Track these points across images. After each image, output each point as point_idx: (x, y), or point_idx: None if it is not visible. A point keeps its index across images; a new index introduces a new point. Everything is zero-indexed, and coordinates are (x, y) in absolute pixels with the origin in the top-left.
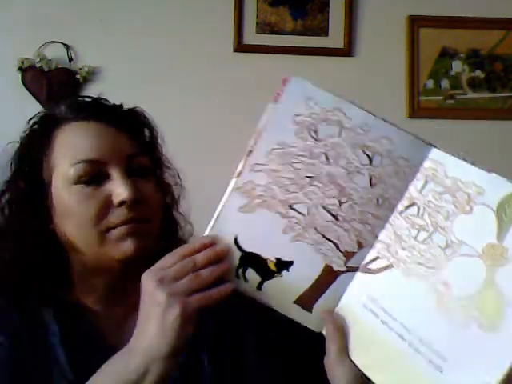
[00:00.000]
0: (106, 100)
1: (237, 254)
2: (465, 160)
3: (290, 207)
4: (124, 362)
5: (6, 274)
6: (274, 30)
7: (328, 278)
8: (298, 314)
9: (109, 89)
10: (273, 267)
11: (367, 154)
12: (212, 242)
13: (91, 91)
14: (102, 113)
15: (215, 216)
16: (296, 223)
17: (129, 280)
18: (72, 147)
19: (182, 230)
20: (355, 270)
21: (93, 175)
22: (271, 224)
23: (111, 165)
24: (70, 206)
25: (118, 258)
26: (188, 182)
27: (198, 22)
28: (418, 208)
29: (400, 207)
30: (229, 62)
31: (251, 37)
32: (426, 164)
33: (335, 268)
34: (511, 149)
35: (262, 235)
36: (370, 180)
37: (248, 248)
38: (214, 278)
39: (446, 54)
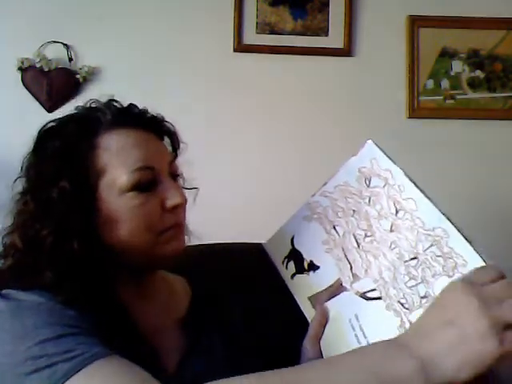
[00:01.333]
0: (136, 106)
1: (288, 248)
2: (467, 239)
3: (333, 227)
4: (388, 356)
5: (57, 276)
6: (273, 30)
7: (337, 289)
8: (306, 307)
9: (109, 89)
10: (306, 266)
11: (396, 207)
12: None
13: (91, 91)
14: (145, 120)
15: (288, 219)
16: (332, 240)
17: (149, 272)
18: (126, 154)
19: None
20: (356, 292)
21: (147, 182)
22: (316, 234)
23: (160, 171)
24: (124, 211)
25: (170, 255)
26: (187, 182)
27: (198, 22)
28: (418, 261)
29: (406, 257)
30: (229, 62)
31: (251, 37)
32: (437, 231)
33: (343, 284)
34: (511, 149)
35: (308, 240)
36: (391, 227)
37: (297, 246)
38: None
39: (446, 54)
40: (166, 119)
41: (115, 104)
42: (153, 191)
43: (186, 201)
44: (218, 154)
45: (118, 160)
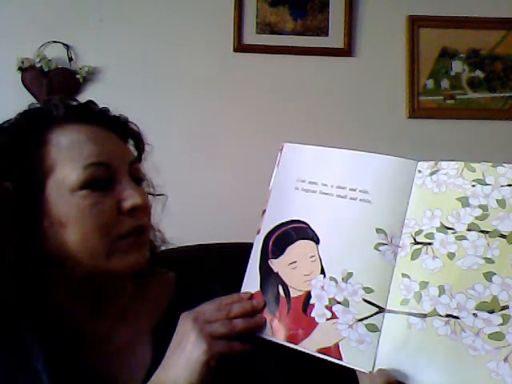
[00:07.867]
0: (95, 104)
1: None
2: None
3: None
4: None
5: None
6: (273, 30)
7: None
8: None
9: (109, 89)
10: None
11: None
12: (250, 297)
13: (91, 91)
14: (103, 118)
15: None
16: None
17: (112, 290)
18: (78, 150)
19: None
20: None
21: (102, 180)
22: None
23: (118, 170)
24: (74, 213)
25: (127, 269)
26: (188, 182)
27: (198, 22)
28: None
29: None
30: (229, 62)
31: (251, 37)
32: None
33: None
34: (511, 149)
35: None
36: None
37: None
38: (245, 328)
39: (446, 54)
40: (131, 120)
41: (71, 100)
42: (108, 191)
43: (147, 205)
44: (218, 153)
45: (67, 156)
